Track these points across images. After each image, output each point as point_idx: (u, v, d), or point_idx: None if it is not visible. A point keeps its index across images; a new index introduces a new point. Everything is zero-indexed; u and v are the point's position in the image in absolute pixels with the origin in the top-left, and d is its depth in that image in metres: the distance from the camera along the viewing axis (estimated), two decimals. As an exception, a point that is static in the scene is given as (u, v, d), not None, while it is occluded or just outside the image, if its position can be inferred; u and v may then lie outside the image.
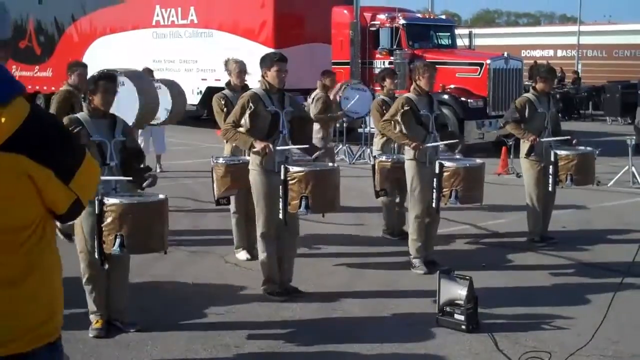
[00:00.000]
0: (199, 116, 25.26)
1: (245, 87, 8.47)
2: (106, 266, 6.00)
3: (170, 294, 7.37)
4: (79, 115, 6.16)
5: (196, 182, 13.58)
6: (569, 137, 9.39)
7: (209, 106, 21.99)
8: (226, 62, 8.81)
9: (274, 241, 7.13)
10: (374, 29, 20.58)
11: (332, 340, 6.16)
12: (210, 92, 20.92)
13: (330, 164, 7.49)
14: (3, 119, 2.47)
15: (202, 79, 22.89)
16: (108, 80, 6.12)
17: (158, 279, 7.67)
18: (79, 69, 9.62)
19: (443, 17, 25.52)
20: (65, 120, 6.08)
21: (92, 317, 6.18)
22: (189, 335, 6.23)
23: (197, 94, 23.40)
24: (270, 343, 6.10)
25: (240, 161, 8.02)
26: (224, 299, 7.16)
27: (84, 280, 6.16)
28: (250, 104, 6.92)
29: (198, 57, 23.23)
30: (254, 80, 9.24)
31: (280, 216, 6.92)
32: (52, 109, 9.06)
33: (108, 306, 6.24)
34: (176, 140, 18.60)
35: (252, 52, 17.69)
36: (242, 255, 8.52)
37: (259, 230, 7.12)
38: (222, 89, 8.84)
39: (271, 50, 18.14)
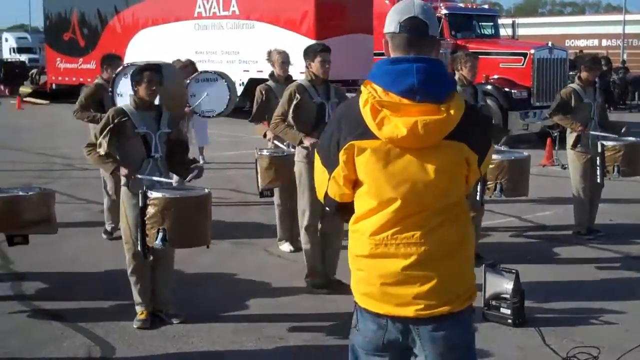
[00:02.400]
0: (242, 107, 25.29)
1: (288, 78, 8.45)
2: (150, 258, 6.02)
3: (214, 285, 7.39)
4: (124, 106, 6.18)
5: (239, 174, 13.60)
6: (616, 136, 9.12)
7: (251, 98, 21.94)
8: (269, 53, 8.78)
9: (317, 233, 7.12)
10: (416, 19, 20.43)
11: (376, 333, 6.11)
12: (253, 83, 20.94)
13: None
14: (452, 111, 2.86)
15: (245, 71, 22.90)
16: (153, 71, 6.12)
17: (202, 270, 7.68)
18: (114, 63, 9.30)
19: (486, 6, 25.26)
20: (111, 111, 6.11)
21: (137, 308, 6.21)
22: (233, 326, 6.23)
23: (240, 85, 23.39)
24: (315, 335, 6.08)
25: (285, 153, 8.01)
26: (268, 290, 7.16)
27: (128, 272, 6.20)
28: (297, 95, 6.91)
29: (240, 49, 23.24)
30: (296, 71, 9.24)
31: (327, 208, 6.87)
32: (78, 103, 8.97)
33: (153, 297, 6.27)
34: (218, 132, 18.64)
35: (294, 43, 17.66)
36: (286, 247, 8.52)
37: (303, 222, 7.10)
38: (264, 80, 8.82)
39: (312, 41, 18.11)
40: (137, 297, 6.22)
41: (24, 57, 51.84)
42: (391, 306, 2.97)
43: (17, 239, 6.32)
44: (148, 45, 25.15)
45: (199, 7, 24.73)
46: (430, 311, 2.94)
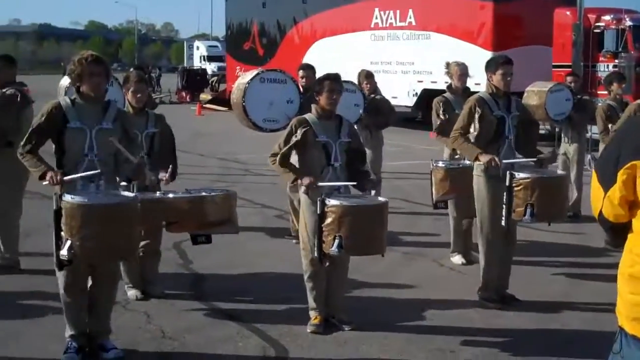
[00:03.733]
0: (414, 118, 25.32)
1: (465, 90, 8.41)
2: (326, 264, 6.13)
3: (384, 294, 7.43)
4: (306, 116, 6.32)
5: (409, 184, 13.62)
6: None
7: (424, 108, 21.86)
8: (447, 65, 8.76)
9: (495, 248, 7.02)
10: (598, 30, 19.83)
11: (549, 352, 5.97)
12: (426, 94, 20.97)
13: (559, 172, 7.26)
14: None
15: (419, 81, 22.93)
16: (333, 80, 6.22)
17: (373, 279, 7.74)
18: (306, 72, 9.56)
19: (674, 18, 24.11)
20: (294, 121, 6.27)
21: (311, 313, 6.33)
22: (403, 336, 6.25)
23: (413, 95, 23.49)
24: (485, 350, 6.00)
25: (461, 166, 7.97)
26: (438, 302, 7.12)
27: (305, 277, 6.33)
28: (477, 109, 6.85)
29: (415, 59, 23.30)
30: (472, 82, 9.18)
31: (503, 223, 6.79)
32: None
33: (327, 303, 6.39)
34: (389, 142, 18.70)
35: (470, 55, 17.50)
36: (457, 259, 8.46)
37: (482, 236, 7.04)
38: (438, 91, 8.82)
39: (489, 53, 17.91)
40: (312, 302, 6.34)
41: (213, 65, 53.32)
42: None
43: (201, 238, 6.55)
44: (324, 55, 25.62)
45: (376, 18, 25.00)
46: None
